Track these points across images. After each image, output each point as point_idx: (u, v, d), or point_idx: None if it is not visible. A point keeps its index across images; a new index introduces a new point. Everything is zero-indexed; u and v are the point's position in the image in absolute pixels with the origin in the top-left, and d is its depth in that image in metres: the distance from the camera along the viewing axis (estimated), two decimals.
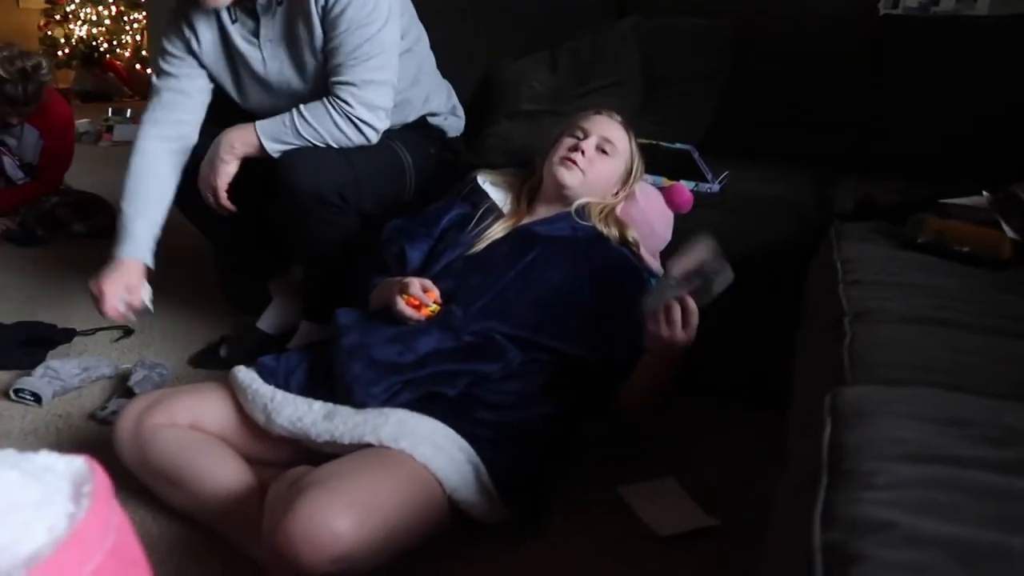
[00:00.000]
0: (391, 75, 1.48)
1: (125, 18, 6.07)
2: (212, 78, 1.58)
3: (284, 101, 1.51)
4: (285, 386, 1.19)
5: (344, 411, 1.12)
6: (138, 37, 6.08)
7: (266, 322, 1.77)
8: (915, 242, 1.25)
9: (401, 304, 1.21)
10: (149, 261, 1.51)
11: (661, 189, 1.53)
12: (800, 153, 1.97)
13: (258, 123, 1.45)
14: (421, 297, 1.22)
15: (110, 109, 4.84)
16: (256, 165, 1.47)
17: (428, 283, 1.24)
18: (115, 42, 6.08)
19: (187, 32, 1.53)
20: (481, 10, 2.12)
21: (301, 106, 1.45)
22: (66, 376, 1.56)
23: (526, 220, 1.40)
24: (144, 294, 1.49)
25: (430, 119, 1.72)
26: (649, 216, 1.45)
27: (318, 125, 1.43)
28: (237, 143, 1.45)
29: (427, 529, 1.05)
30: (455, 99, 1.80)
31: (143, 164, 1.55)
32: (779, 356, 1.35)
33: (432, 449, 1.07)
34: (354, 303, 1.34)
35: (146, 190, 1.54)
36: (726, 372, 1.62)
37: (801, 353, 1.10)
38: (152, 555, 1.04)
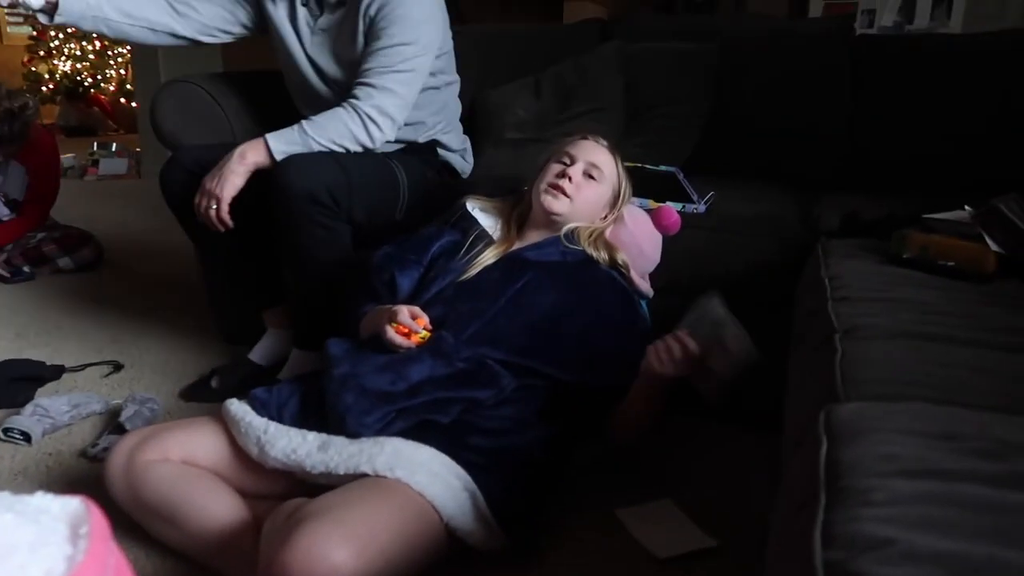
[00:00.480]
0: (409, 93, 1.58)
1: (109, 52, 6.10)
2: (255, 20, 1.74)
3: (321, 80, 1.68)
4: (278, 418, 1.18)
5: (338, 441, 1.12)
6: (122, 71, 6.11)
7: (258, 353, 1.77)
8: (900, 257, 1.27)
9: (390, 332, 1.21)
10: None
11: (649, 211, 1.55)
12: (783, 172, 2.00)
13: (267, 135, 1.52)
14: (410, 324, 1.22)
15: (95, 143, 4.84)
16: (254, 186, 1.51)
17: (417, 310, 1.25)
18: (99, 76, 6.11)
19: None
20: (466, 37, 2.16)
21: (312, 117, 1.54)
22: (56, 413, 1.54)
23: (516, 246, 1.41)
24: None
25: (440, 150, 1.76)
26: (638, 238, 1.46)
27: (326, 123, 1.52)
28: (248, 153, 1.50)
29: (424, 558, 1.04)
30: (469, 147, 1.86)
31: None
32: (770, 374, 1.36)
33: (428, 477, 1.06)
34: (344, 331, 1.34)
35: None
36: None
37: (793, 371, 1.10)
38: None
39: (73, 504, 0.42)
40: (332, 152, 1.52)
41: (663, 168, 1.78)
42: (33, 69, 6.06)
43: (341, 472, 1.07)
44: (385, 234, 1.61)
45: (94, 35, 5.97)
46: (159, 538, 1.17)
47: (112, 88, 6.16)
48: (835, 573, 0.52)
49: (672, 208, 1.56)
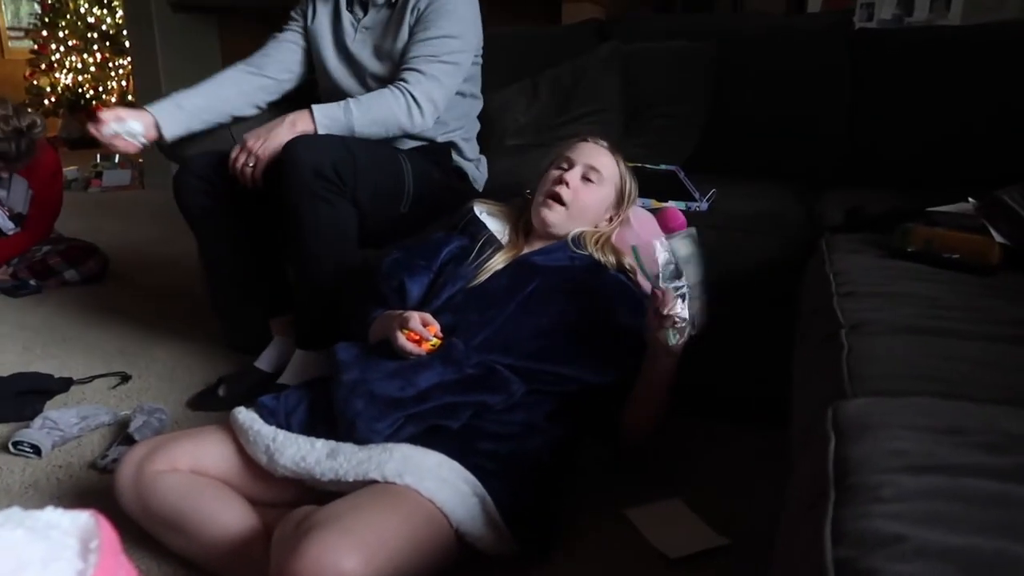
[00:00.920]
0: (452, 85, 1.67)
1: (110, 64, 6.12)
2: (311, 48, 1.82)
3: (354, 78, 1.75)
4: (286, 426, 1.19)
5: (347, 448, 1.12)
6: (124, 83, 6.12)
7: (265, 361, 1.77)
8: (904, 251, 1.27)
9: (401, 339, 1.21)
10: (161, 120, 1.66)
11: (654, 212, 1.55)
12: (784, 169, 1.99)
13: (313, 105, 1.58)
14: (421, 331, 1.22)
15: (98, 155, 4.85)
16: (263, 188, 1.57)
17: (428, 317, 1.25)
18: (101, 88, 6.12)
19: (311, 3, 1.81)
20: None
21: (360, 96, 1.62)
22: (65, 426, 1.55)
23: (525, 250, 1.41)
24: (134, 126, 1.63)
25: (454, 155, 1.79)
26: (644, 240, 1.46)
27: (371, 103, 1.59)
28: (298, 121, 1.57)
29: (435, 564, 1.04)
30: (484, 161, 1.89)
31: (217, 74, 1.78)
32: (776, 371, 1.35)
33: (437, 483, 1.06)
34: (349, 334, 1.34)
35: (205, 85, 1.75)
36: (724, 389, 1.62)
37: (799, 367, 1.10)
38: None
39: (83, 519, 0.42)
40: (343, 137, 1.57)
41: (664, 167, 1.78)
42: (35, 83, 6.09)
43: (350, 479, 1.08)
44: (390, 228, 1.62)
45: (95, 47, 6.02)
46: (170, 548, 1.17)
47: (114, 100, 6.18)
48: (845, 571, 0.51)
49: (677, 210, 1.56)
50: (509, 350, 1.25)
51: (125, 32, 5.18)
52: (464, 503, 1.07)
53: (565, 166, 1.42)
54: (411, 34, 1.67)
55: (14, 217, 2.62)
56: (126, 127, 1.63)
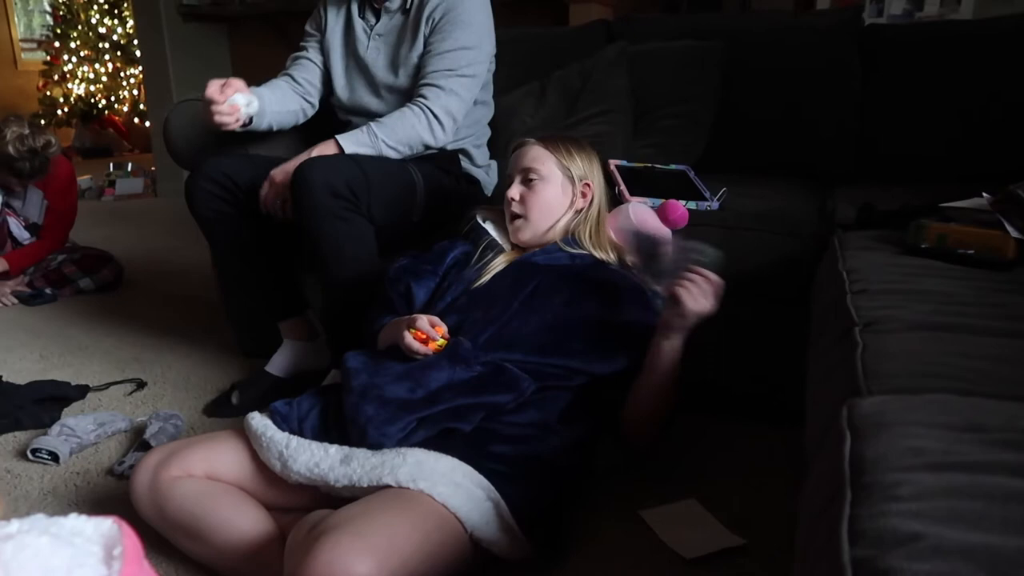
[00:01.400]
0: (470, 98, 1.69)
1: (122, 74, 6.18)
2: (325, 63, 1.82)
3: (368, 89, 1.76)
4: (299, 431, 1.19)
5: (361, 454, 1.12)
6: (135, 92, 6.18)
7: (276, 365, 1.78)
8: (918, 248, 1.26)
9: (409, 338, 1.22)
10: (261, 110, 1.68)
11: (655, 208, 1.54)
12: (796, 166, 1.99)
13: (338, 135, 1.61)
14: (428, 331, 1.22)
15: (111, 164, 4.90)
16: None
17: (436, 319, 1.25)
18: (113, 98, 6.18)
19: (322, 15, 1.82)
20: None
21: (379, 118, 1.64)
22: (82, 433, 1.56)
23: (526, 252, 1.41)
24: (255, 106, 1.64)
25: (464, 161, 1.79)
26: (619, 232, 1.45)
27: (394, 124, 1.61)
28: (325, 150, 1.59)
29: (448, 568, 1.04)
30: (494, 166, 1.90)
31: (274, 81, 1.80)
32: (789, 369, 1.35)
33: (450, 488, 1.06)
34: (366, 344, 1.35)
35: (276, 91, 1.77)
36: (736, 388, 1.62)
37: (813, 365, 1.10)
38: None
39: (106, 525, 0.43)
40: (352, 155, 1.58)
41: (674, 167, 1.78)
42: (48, 93, 6.16)
43: (364, 484, 1.08)
44: (403, 238, 1.63)
45: (107, 57, 6.08)
46: (186, 553, 1.18)
47: (126, 109, 6.24)
48: (864, 570, 0.51)
49: (677, 202, 1.55)
50: (515, 346, 1.25)
51: (136, 42, 5.23)
52: (478, 507, 1.07)
53: (509, 181, 1.43)
54: (427, 44, 1.67)
55: (30, 227, 2.65)
56: (249, 105, 1.63)
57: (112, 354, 2.09)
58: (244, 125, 1.68)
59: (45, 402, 1.73)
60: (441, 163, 1.73)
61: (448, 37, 1.64)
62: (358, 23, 1.77)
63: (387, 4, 1.72)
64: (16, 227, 2.63)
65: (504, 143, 1.98)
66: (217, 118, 1.59)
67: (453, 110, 1.64)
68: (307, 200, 1.49)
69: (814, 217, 1.62)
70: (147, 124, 5.27)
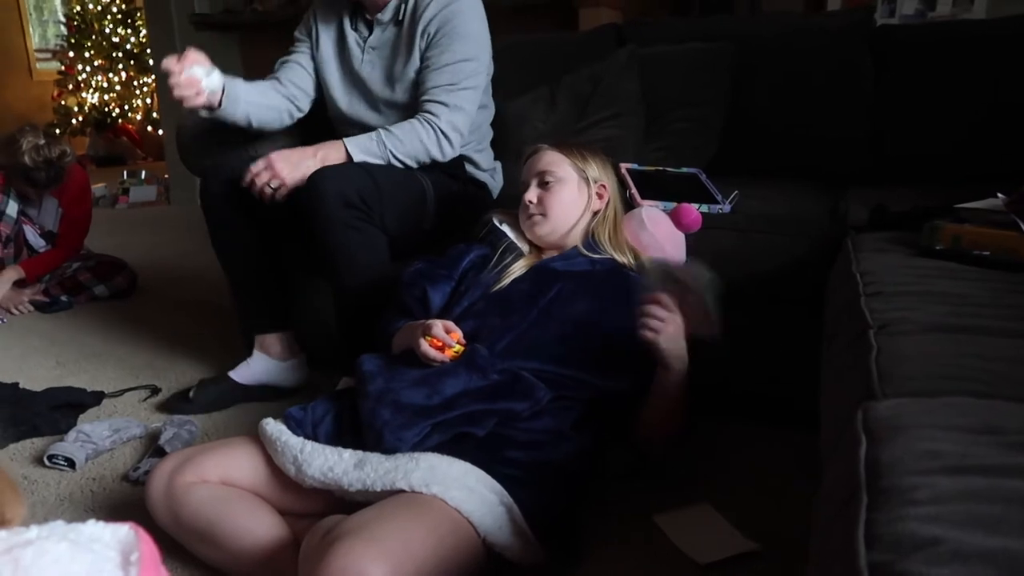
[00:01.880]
0: (473, 110, 1.69)
1: (135, 82, 6.24)
2: (317, 72, 1.80)
3: (365, 104, 1.75)
4: (314, 436, 1.19)
5: (374, 458, 1.12)
6: (148, 100, 6.24)
7: (240, 373, 1.78)
8: (933, 249, 1.25)
9: (424, 346, 1.22)
10: (228, 91, 1.63)
11: (668, 212, 1.54)
12: (808, 168, 1.98)
13: (346, 139, 1.60)
14: (444, 338, 1.22)
15: (125, 172, 4.95)
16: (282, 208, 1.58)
17: (451, 324, 1.25)
18: (126, 106, 6.24)
19: (313, 24, 1.80)
20: None
21: (388, 126, 1.62)
22: (97, 439, 1.58)
23: (544, 257, 1.41)
24: (216, 80, 1.59)
25: (468, 167, 1.79)
26: (659, 240, 1.45)
27: (404, 136, 1.60)
28: (331, 154, 1.58)
29: (462, 573, 1.04)
30: (499, 168, 1.89)
31: (259, 81, 1.75)
32: (803, 372, 1.34)
33: (464, 492, 1.06)
34: (379, 349, 1.35)
35: (257, 85, 1.73)
36: (750, 391, 1.61)
37: (827, 369, 1.09)
38: None
39: (123, 531, 0.43)
40: (363, 164, 1.57)
41: (686, 170, 1.77)
42: (63, 103, 6.22)
43: (378, 489, 1.08)
44: (415, 245, 1.63)
45: (120, 66, 6.14)
46: (201, 558, 1.19)
47: (139, 117, 6.29)
48: (881, 574, 0.51)
49: (691, 206, 1.55)
50: (533, 355, 1.25)
51: (149, 51, 5.27)
52: (491, 512, 1.07)
53: (523, 186, 1.43)
54: (424, 58, 1.65)
55: (45, 235, 2.68)
56: (210, 77, 1.57)
57: (126, 360, 2.10)
58: (211, 108, 1.63)
59: (61, 409, 1.75)
60: (448, 169, 1.73)
61: (447, 50, 1.62)
62: (350, 35, 1.74)
63: (379, 16, 1.70)
64: (32, 235, 2.65)
65: (515, 148, 1.99)
66: (176, 91, 1.54)
67: (460, 125, 1.64)
68: (320, 210, 1.48)
69: (826, 219, 1.61)
70: (160, 132, 5.31)
